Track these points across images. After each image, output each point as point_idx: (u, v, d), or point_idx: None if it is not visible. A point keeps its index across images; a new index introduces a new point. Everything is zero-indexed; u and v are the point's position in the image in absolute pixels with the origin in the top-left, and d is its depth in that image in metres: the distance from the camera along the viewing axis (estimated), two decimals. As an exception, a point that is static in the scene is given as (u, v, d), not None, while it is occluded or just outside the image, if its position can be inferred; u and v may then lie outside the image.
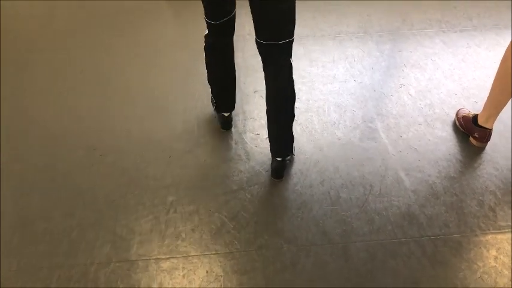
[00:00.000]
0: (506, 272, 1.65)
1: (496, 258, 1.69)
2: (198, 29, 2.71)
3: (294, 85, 1.78)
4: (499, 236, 1.76)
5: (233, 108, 2.22)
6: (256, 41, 1.69)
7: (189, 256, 1.73)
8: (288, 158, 2.01)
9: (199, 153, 2.14)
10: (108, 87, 2.55)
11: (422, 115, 2.30)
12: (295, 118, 1.89)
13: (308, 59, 2.70)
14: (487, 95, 2.04)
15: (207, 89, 2.20)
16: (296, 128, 2.23)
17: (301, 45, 2.81)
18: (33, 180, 2.04)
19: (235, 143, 2.18)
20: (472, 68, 2.62)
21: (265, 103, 1.87)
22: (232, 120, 2.25)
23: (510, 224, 1.80)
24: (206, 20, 1.88)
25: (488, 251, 1.72)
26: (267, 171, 2.04)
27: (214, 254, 1.73)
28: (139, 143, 2.19)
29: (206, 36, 1.97)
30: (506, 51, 1.89)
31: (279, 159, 1.96)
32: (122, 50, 2.85)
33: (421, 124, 2.25)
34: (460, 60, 2.68)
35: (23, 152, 2.17)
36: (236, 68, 2.08)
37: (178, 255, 1.73)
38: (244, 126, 2.27)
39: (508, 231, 1.77)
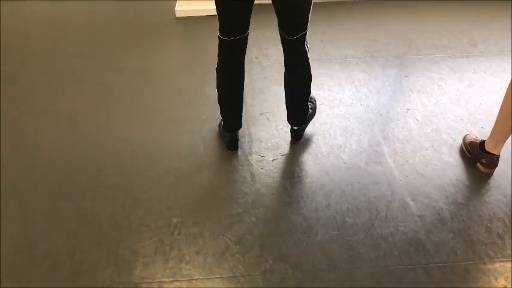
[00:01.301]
0: (516, 302, 1.61)
1: (505, 287, 1.66)
2: (207, 50, 2.76)
3: (310, 67, 2.02)
4: (508, 265, 1.73)
5: (241, 126, 2.22)
6: (281, 36, 1.93)
7: (193, 279, 1.70)
8: (304, 125, 2.27)
9: (205, 175, 2.14)
10: (115, 109, 2.57)
11: (428, 140, 2.30)
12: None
13: (315, 83, 2.68)
14: (494, 120, 2.03)
15: (214, 112, 2.21)
16: (302, 151, 2.23)
17: (308, 69, 2.82)
18: (37, 200, 2.03)
19: (241, 165, 2.18)
20: (479, 93, 2.62)
21: (284, 84, 2.11)
22: (238, 141, 2.25)
23: (519, 252, 1.77)
24: (220, 38, 1.90)
25: (496, 279, 1.68)
26: (272, 194, 2.03)
27: (218, 277, 1.71)
28: (144, 164, 2.19)
29: (219, 56, 1.97)
30: (512, 78, 1.90)
31: (295, 128, 2.23)
32: (130, 72, 2.88)
33: (427, 149, 2.24)
34: (466, 85, 2.69)
35: (27, 172, 2.17)
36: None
37: (181, 279, 1.71)
38: (250, 148, 2.27)
39: (517, 260, 1.75)
